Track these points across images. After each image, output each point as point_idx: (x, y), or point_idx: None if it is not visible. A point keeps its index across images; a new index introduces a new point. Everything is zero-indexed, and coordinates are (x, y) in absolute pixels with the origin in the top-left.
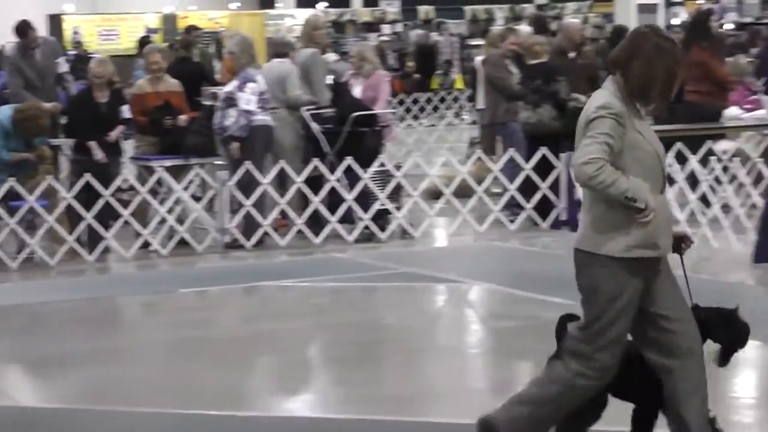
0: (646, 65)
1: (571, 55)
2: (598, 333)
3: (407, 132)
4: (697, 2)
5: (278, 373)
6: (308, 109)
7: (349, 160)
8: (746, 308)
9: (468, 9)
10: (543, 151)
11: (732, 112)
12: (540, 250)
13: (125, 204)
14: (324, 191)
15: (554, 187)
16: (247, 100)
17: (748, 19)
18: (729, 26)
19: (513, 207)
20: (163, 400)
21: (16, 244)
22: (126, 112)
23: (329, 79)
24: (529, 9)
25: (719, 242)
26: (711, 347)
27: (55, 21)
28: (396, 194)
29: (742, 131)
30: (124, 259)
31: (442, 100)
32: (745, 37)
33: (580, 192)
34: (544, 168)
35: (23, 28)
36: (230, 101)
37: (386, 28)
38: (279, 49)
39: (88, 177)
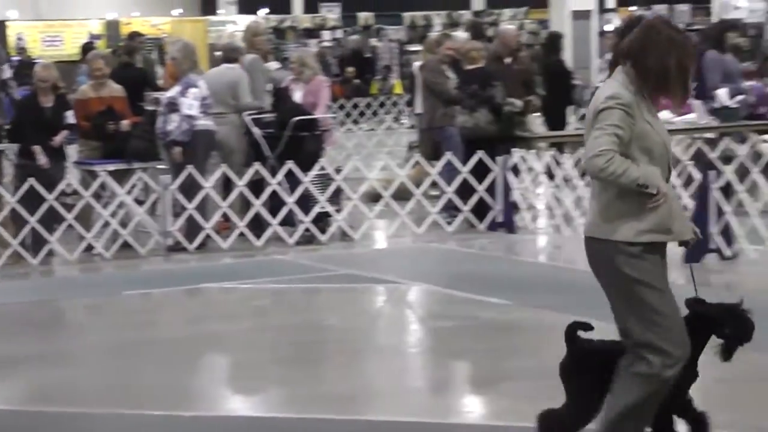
0: (659, 57)
1: (507, 60)
2: (652, 321)
3: (347, 136)
4: (629, 9)
5: (221, 374)
6: (249, 114)
7: (290, 164)
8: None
9: (406, 15)
10: (480, 154)
11: (663, 115)
12: (477, 251)
13: (69, 208)
14: (265, 194)
15: (491, 189)
16: (190, 105)
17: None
18: None
19: (450, 209)
20: (108, 400)
21: None
22: (70, 117)
23: (269, 86)
24: (466, 15)
25: None
26: (714, 342)
27: None
28: (336, 197)
29: (672, 135)
30: (69, 263)
31: (382, 104)
32: None
33: (515, 194)
34: (480, 171)
35: None
36: (173, 106)
37: (326, 35)
38: (229, 54)
39: (32, 181)
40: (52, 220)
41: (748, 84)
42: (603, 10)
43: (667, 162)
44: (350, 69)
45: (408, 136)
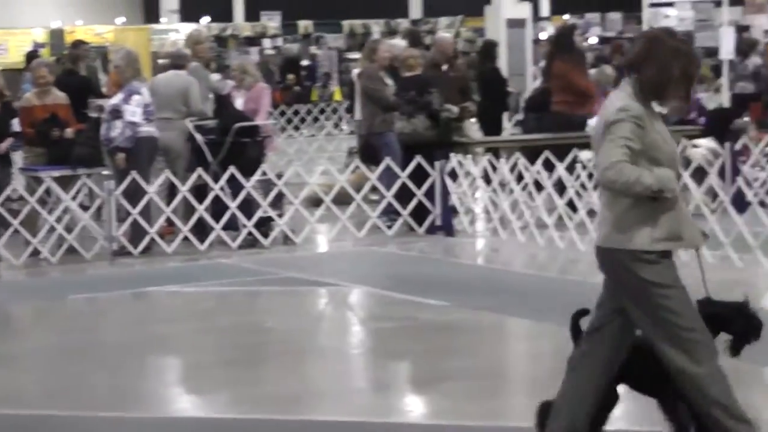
0: (663, 67)
1: (444, 67)
2: (674, 323)
3: (288, 142)
4: (562, 18)
5: (167, 376)
6: (192, 121)
7: (232, 170)
8: None
9: (345, 23)
10: (418, 159)
11: (596, 121)
12: (416, 254)
13: (15, 213)
14: (208, 199)
15: (429, 194)
16: (133, 112)
17: (610, 34)
18: (593, 40)
19: (390, 213)
20: (54, 403)
21: None
22: (16, 124)
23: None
24: (404, 24)
25: (585, 245)
26: (723, 339)
27: None
28: (278, 202)
29: None
30: (15, 267)
31: (322, 111)
32: (608, 50)
33: (453, 198)
34: (419, 176)
35: None
36: (116, 113)
37: (267, 43)
38: (177, 61)
39: None
40: None
41: None
42: (537, 18)
43: (677, 169)
44: (291, 76)
45: (348, 141)
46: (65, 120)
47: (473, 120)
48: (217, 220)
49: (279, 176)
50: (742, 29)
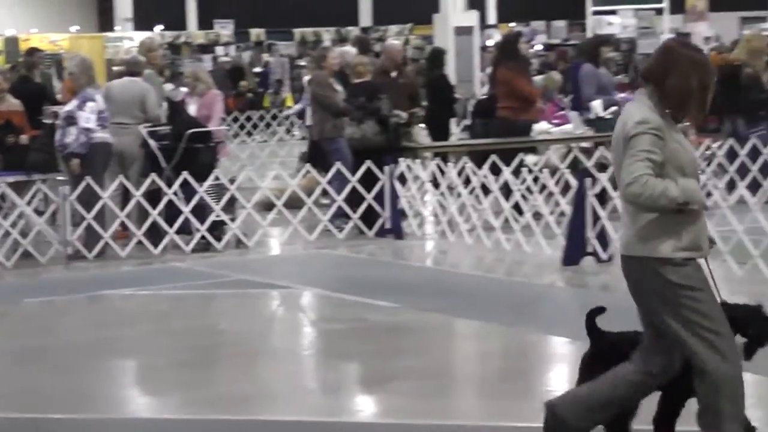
0: (682, 78)
1: (393, 74)
2: (702, 326)
3: (241, 148)
4: (509, 25)
5: (121, 377)
6: (146, 126)
7: (185, 175)
8: (556, 308)
9: (297, 31)
10: (368, 164)
11: (541, 126)
12: (366, 257)
13: None
14: (162, 204)
15: (379, 197)
16: (87, 118)
17: (556, 41)
18: (539, 47)
19: (341, 217)
20: (9, 404)
21: None
22: None
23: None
24: (354, 31)
25: (531, 247)
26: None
27: None
28: (230, 206)
29: (550, 144)
30: None
31: (274, 117)
32: (554, 57)
33: (402, 202)
34: (369, 180)
35: None
36: (71, 120)
37: (220, 50)
38: (132, 68)
39: None
40: None
41: (621, 96)
42: (484, 26)
43: (697, 176)
44: (243, 83)
45: (299, 147)
46: (20, 126)
47: (422, 125)
48: (171, 225)
49: (232, 181)
50: (683, 36)
